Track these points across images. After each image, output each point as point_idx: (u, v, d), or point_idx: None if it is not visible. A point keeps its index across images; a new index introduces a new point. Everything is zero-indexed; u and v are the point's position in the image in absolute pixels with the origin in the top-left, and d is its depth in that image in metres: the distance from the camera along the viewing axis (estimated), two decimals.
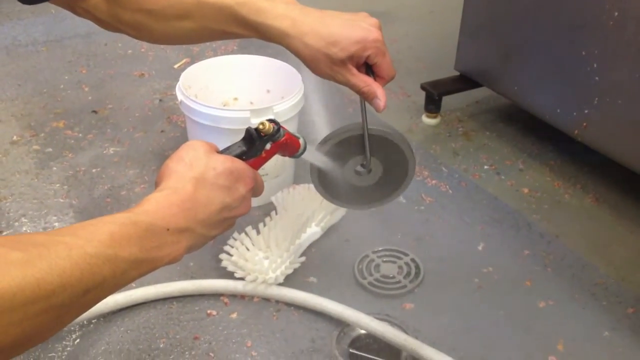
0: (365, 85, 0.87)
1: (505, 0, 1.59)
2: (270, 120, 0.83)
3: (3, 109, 1.79)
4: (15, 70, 1.98)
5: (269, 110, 1.37)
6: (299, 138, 0.88)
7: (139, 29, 0.91)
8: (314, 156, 0.94)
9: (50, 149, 1.63)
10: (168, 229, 0.68)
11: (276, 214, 1.34)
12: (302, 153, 0.89)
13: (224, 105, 1.56)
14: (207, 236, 0.75)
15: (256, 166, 0.83)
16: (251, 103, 1.57)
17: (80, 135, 1.69)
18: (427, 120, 1.80)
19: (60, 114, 1.77)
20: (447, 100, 1.81)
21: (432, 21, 2.41)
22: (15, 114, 1.77)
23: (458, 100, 1.86)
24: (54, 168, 1.56)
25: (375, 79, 0.88)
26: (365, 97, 0.89)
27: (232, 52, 2.06)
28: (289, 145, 0.86)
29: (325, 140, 0.95)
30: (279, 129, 0.83)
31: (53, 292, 0.55)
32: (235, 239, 1.24)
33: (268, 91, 1.55)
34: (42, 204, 1.45)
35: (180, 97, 1.43)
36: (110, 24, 0.92)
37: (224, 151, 0.81)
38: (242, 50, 2.01)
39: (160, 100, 1.86)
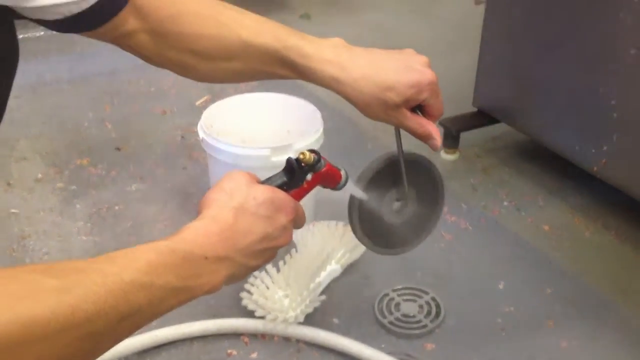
0: (421, 126, 0.86)
1: (523, 37, 1.61)
2: (311, 151, 0.83)
3: (28, 146, 1.83)
4: (41, 108, 2.03)
5: (289, 148, 1.39)
6: (340, 170, 0.88)
7: (184, 67, 0.91)
8: (355, 190, 0.92)
9: (74, 187, 1.66)
10: (206, 258, 0.68)
11: (296, 251, 1.34)
12: (343, 185, 0.88)
13: (245, 144, 1.58)
14: (248, 266, 0.74)
15: (298, 197, 0.82)
16: (272, 141, 1.59)
17: (104, 172, 1.72)
18: (445, 156, 1.81)
19: (84, 151, 1.81)
20: (466, 136, 1.82)
21: (449, 57, 2.43)
22: (40, 152, 1.80)
23: (476, 135, 1.86)
24: (78, 205, 1.59)
25: (425, 117, 0.88)
26: (421, 139, 0.88)
27: (253, 89, 2.08)
28: (330, 176, 0.86)
29: (361, 176, 0.93)
30: (319, 159, 0.83)
31: (88, 319, 0.55)
32: (256, 277, 1.25)
33: (288, 131, 1.57)
34: (65, 241, 1.47)
35: (201, 135, 1.45)
36: (155, 60, 0.92)
37: (266, 182, 0.81)
38: (263, 87, 2.03)
39: (182, 137, 1.89)
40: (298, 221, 0.80)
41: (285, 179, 0.82)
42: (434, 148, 0.89)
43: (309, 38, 0.86)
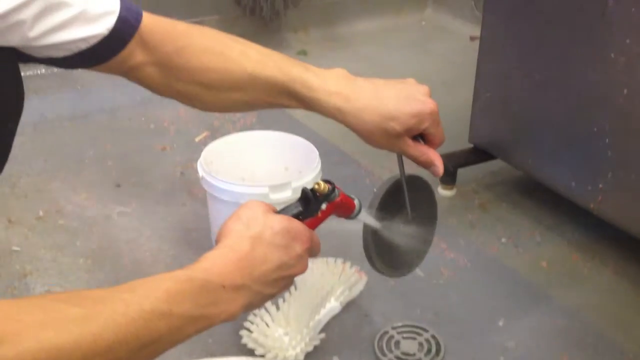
0: (422, 154, 0.89)
1: (517, 75, 1.64)
2: (326, 181, 0.86)
3: (30, 183, 1.84)
4: (42, 146, 2.04)
5: (287, 186, 1.40)
6: (354, 199, 0.90)
7: (190, 98, 0.94)
8: (368, 218, 0.94)
9: (75, 224, 1.66)
10: (224, 286, 0.70)
11: (295, 289, 1.35)
12: (357, 214, 0.91)
13: (243, 181, 1.60)
14: (265, 294, 0.76)
15: (313, 226, 0.85)
16: (270, 178, 1.61)
17: (104, 209, 1.73)
18: (443, 192, 1.82)
19: (84, 188, 1.82)
20: (462, 172, 1.84)
21: (445, 93, 2.46)
22: (40, 189, 1.81)
23: (473, 171, 1.88)
24: (78, 243, 1.60)
25: (427, 144, 0.91)
26: (423, 166, 0.91)
27: (252, 126, 2.11)
28: (344, 206, 0.88)
29: (371, 204, 0.96)
30: (334, 189, 0.86)
31: (110, 348, 0.57)
32: (256, 315, 1.25)
33: (286, 168, 1.59)
34: (66, 279, 1.47)
35: (201, 173, 1.47)
36: (162, 91, 0.94)
37: (282, 211, 0.83)
38: (261, 124, 2.06)
39: (182, 173, 1.91)
40: (314, 250, 0.82)
41: (300, 208, 0.84)
42: (436, 174, 0.92)
43: (313, 69, 0.89)
